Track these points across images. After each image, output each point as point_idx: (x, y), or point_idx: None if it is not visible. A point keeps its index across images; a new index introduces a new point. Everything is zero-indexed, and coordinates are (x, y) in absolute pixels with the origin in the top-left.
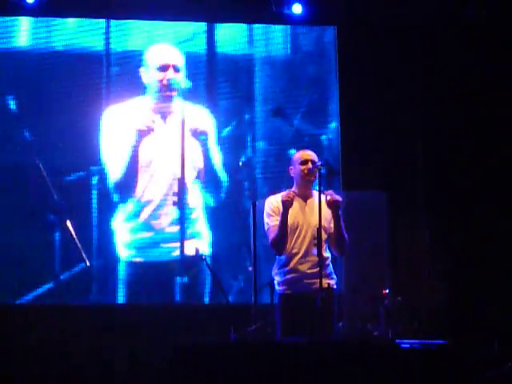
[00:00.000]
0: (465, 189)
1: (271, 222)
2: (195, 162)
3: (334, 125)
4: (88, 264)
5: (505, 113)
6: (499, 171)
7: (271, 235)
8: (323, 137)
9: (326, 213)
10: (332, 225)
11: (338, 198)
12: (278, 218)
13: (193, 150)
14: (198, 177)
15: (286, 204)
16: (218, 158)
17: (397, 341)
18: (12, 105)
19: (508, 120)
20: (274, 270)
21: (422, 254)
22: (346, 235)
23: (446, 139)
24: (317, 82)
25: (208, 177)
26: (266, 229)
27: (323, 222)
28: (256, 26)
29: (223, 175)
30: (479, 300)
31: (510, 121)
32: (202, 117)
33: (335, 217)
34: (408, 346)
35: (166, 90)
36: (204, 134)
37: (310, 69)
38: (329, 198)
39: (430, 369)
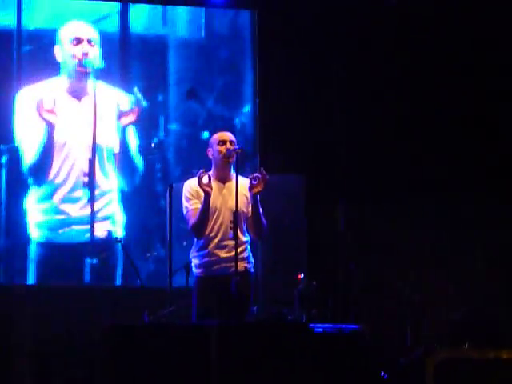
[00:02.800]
0: (384, 174)
1: (190, 205)
2: (109, 143)
3: (247, 108)
4: None
5: (428, 97)
6: (418, 157)
7: (191, 219)
8: (236, 120)
9: (245, 196)
10: (250, 209)
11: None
12: (197, 202)
13: (107, 132)
14: (113, 160)
15: (206, 190)
16: (133, 140)
17: (311, 325)
18: None
19: (432, 104)
20: (192, 253)
21: (337, 239)
22: (263, 220)
23: (368, 123)
24: (231, 65)
25: (123, 159)
26: (184, 213)
27: (241, 206)
28: (170, 7)
29: (138, 158)
30: (395, 284)
31: (435, 105)
32: (116, 97)
33: (254, 201)
34: (321, 330)
35: (80, 66)
36: (119, 115)
37: (224, 52)
38: (255, 182)
39: (343, 353)
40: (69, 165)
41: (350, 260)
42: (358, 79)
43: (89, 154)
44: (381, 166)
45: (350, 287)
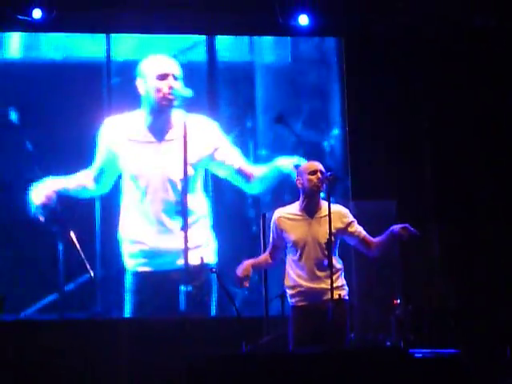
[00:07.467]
0: (475, 196)
1: (271, 240)
2: (197, 172)
3: (336, 132)
4: (92, 275)
5: None
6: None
7: None
8: (325, 143)
9: (335, 224)
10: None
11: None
12: (276, 240)
13: (194, 160)
14: (203, 187)
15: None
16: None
17: (410, 350)
18: (13, 116)
19: None
20: (286, 283)
21: (432, 263)
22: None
23: (455, 146)
24: (318, 89)
25: (215, 185)
26: None
27: (333, 232)
28: None
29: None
30: (490, 307)
31: None
32: (206, 126)
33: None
34: (421, 355)
35: (165, 100)
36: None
37: (310, 76)
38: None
39: (444, 378)
40: (158, 200)
41: (445, 283)
42: (446, 102)
43: (178, 185)
44: (472, 188)
45: (446, 311)
